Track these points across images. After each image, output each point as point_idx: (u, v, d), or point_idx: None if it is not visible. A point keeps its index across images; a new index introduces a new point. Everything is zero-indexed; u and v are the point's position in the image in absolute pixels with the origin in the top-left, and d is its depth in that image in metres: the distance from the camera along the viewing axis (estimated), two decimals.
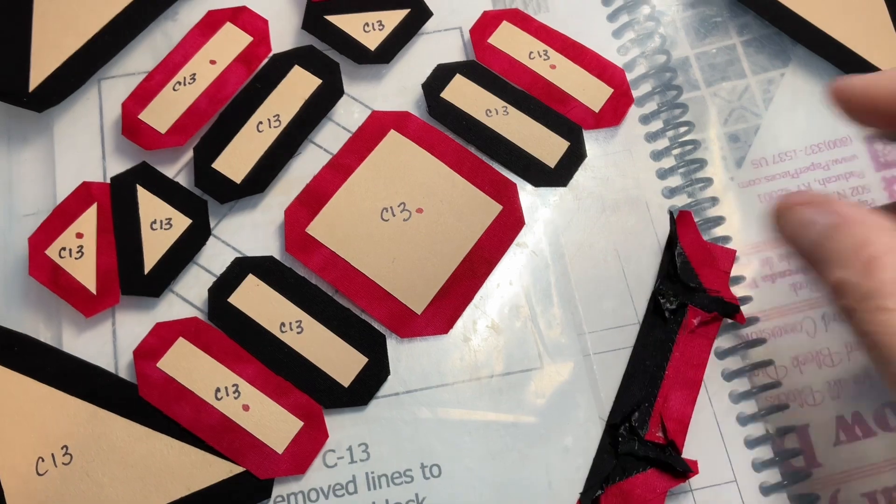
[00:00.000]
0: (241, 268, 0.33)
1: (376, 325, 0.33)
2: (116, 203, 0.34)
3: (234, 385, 0.32)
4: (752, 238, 0.36)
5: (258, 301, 0.33)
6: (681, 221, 0.35)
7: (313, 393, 0.32)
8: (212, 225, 0.34)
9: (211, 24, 0.37)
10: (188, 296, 0.34)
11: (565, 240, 0.35)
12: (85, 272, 0.33)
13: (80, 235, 0.33)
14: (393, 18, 0.37)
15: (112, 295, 0.33)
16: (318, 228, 0.34)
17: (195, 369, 0.32)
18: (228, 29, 0.37)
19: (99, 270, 0.33)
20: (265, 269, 0.33)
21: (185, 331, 0.32)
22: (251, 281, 0.33)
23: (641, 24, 0.39)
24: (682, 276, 0.34)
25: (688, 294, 0.34)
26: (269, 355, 0.32)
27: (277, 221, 0.35)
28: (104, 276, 0.33)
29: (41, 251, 0.33)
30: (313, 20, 0.37)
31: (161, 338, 0.32)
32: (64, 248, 0.33)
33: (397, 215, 0.34)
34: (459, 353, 0.33)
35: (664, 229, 0.36)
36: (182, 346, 0.32)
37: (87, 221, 0.34)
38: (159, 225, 0.34)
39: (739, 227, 0.36)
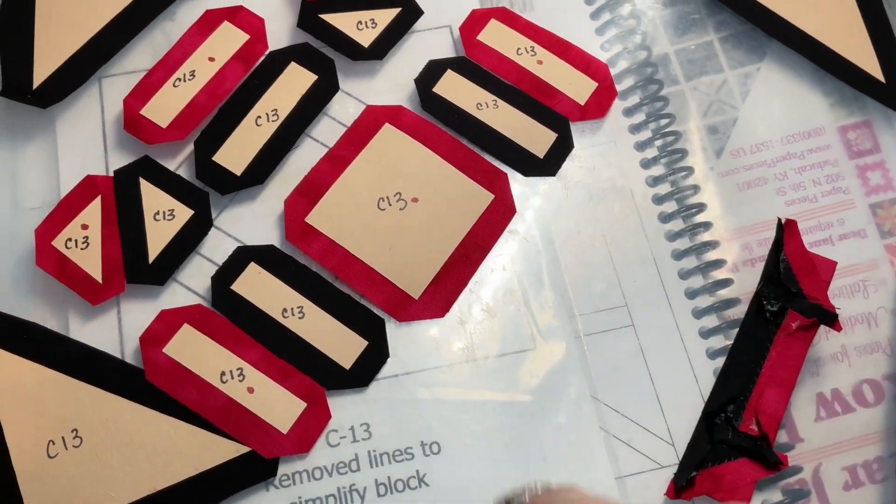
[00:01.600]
0: (243, 256, 0.34)
1: (375, 310, 0.34)
2: (120, 195, 0.35)
3: (238, 369, 0.33)
4: (731, 224, 0.38)
5: (260, 288, 0.34)
6: (787, 229, 0.36)
7: (316, 375, 0.33)
8: (213, 216, 0.35)
9: (209, 22, 0.38)
10: (191, 284, 0.35)
11: (555, 227, 0.37)
12: (91, 262, 0.34)
13: (85, 227, 0.34)
14: (385, 17, 0.39)
15: (117, 284, 0.34)
16: (317, 218, 0.35)
17: (200, 354, 0.33)
18: (226, 27, 0.38)
19: (104, 260, 0.34)
20: (266, 257, 0.34)
21: (190, 317, 0.33)
22: (253, 269, 0.34)
23: (623, 21, 0.41)
24: (784, 281, 0.35)
25: (789, 298, 0.35)
26: (272, 340, 0.33)
27: (276, 212, 0.36)
28: (109, 265, 0.34)
29: (48, 242, 0.34)
30: (308, 19, 0.38)
31: (167, 324, 0.33)
32: (70, 239, 0.34)
33: (393, 205, 0.35)
34: (456, 336, 0.34)
35: (649, 216, 0.37)
36: (187, 332, 0.33)
37: (92, 213, 0.35)
38: (162, 216, 0.35)
39: (720, 214, 0.38)
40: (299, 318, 0.34)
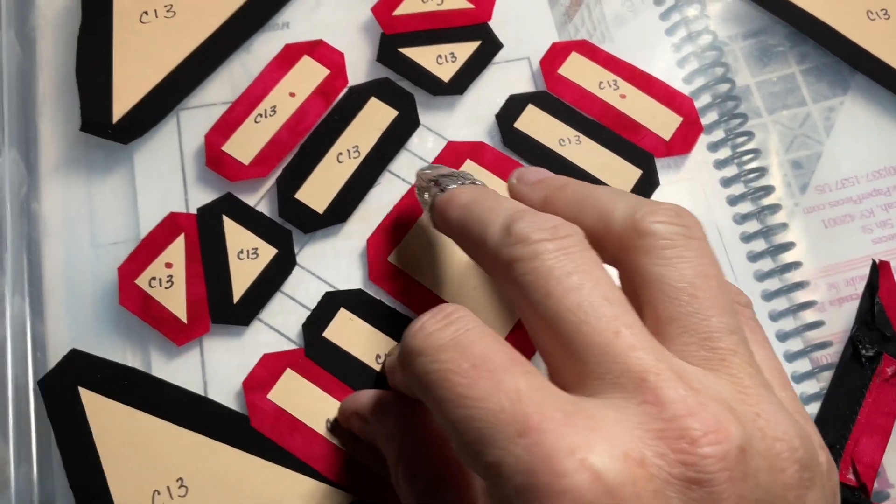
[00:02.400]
0: (333, 302, 0.34)
1: None
2: (203, 233, 0.34)
3: None
4: (819, 263, 0.37)
5: (352, 334, 0.33)
6: (881, 270, 0.35)
7: None
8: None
9: (288, 57, 0.38)
10: (274, 323, 0.34)
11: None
12: (175, 302, 0.33)
13: (169, 265, 0.34)
14: (465, 50, 0.38)
15: (202, 324, 0.33)
16: (400, 257, 0.35)
17: (304, 400, 0.32)
18: (306, 62, 0.37)
19: (189, 300, 0.33)
20: (356, 302, 0.34)
21: (292, 361, 0.33)
22: (343, 315, 0.34)
23: (704, 53, 0.40)
24: (878, 325, 0.34)
25: (884, 343, 0.34)
26: (368, 388, 0.32)
27: (358, 249, 0.35)
28: (194, 305, 0.33)
29: (131, 281, 0.33)
30: (387, 53, 0.38)
31: (269, 369, 0.32)
32: (154, 278, 0.34)
33: None
34: None
35: (737, 255, 0.36)
36: (290, 377, 0.32)
37: (176, 251, 0.34)
38: (246, 255, 0.34)
39: (807, 252, 0.37)
40: None
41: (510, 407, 0.21)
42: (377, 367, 0.33)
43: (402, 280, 0.34)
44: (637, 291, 0.24)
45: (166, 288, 0.33)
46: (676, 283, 0.23)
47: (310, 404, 0.32)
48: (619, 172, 0.37)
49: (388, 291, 0.34)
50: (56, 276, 0.35)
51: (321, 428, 0.32)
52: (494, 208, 0.26)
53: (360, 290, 0.34)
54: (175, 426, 0.32)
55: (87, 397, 0.32)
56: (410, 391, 0.28)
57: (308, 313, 0.34)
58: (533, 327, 0.24)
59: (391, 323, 0.34)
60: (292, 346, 0.34)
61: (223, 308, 0.33)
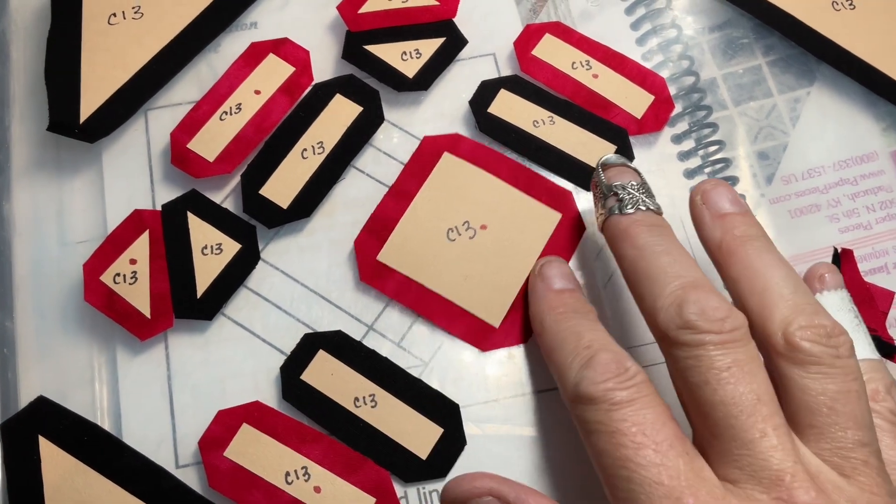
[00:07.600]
0: (311, 344, 0.33)
1: (448, 395, 0.33)
2: (168, 229, 0.35)
3: (303, 467, 0.31)
4: (784, 252, 0.37)
5: (330, 376, 0.33)
6: (843, 258, 0.35)
7: (393, 468, 0.32)
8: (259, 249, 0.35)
9: (254, 55, 0.38)
10: (237, 318, 0.34)
11: (601, 257, 0.36)
12: (139, 297, 0.34)
13: (133, 261, 0.34)
14: (429, 47, 0.39)
15: (166, 319, 0.33)
16: (389, 255, 0.35)
17: (263, 455, 0.31)
18: (271, 60, 0.38)
19: (153, 295, 0.34)
20: (335, 343, 0.33)
21: (249, 416, 0.32)
22: (322, 357, 0.33)
23: (669, 46, 0.40)
24: None
25: None
26: (345, 431, 0.32)
27: (321, 244, 0.36)
28: (158, 300, 0.34)
29: (96, 277, 0.34)
30: (353, 50, 0.38)
31: (225, 425, 0.32)
32: (118, 274, 0.34)
33: (463, 234, 0.35)
34: (504, 370, 0.34)
35: (699, 246, 0.36)
36: (247, 433, 0.32)
37: (140, 248, 0.34)
38: (210, 250, 0.34)
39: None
40: (372, 406, 0.32)
41: (668, 482, 0.24)
42: (355, 411, 0.32)
43: (393, 278, 0.34)
44: (779, 387, 0.26)
45: (130, 284, 0.34)
46: (817, 396, 0.26)
47: (268, 459, 0.31)
48: (595, 149, 0.37)
49: (379, 290, 0.34)
50: (24, 275, 0.35)
51: (281, 482, 0.31)
52: (667, 270, 0.28)
53: (339, 331, 0.34)
54: (127, 493, 0.31)
55: (46, 448, 0.31)
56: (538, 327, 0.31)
57: (275, 309, 0.35)
58: (685, 401, 0.27)
59: (370, 364, 0.33)
60: (256, 341, 0.34)
61: (187, 303, 0.34)
